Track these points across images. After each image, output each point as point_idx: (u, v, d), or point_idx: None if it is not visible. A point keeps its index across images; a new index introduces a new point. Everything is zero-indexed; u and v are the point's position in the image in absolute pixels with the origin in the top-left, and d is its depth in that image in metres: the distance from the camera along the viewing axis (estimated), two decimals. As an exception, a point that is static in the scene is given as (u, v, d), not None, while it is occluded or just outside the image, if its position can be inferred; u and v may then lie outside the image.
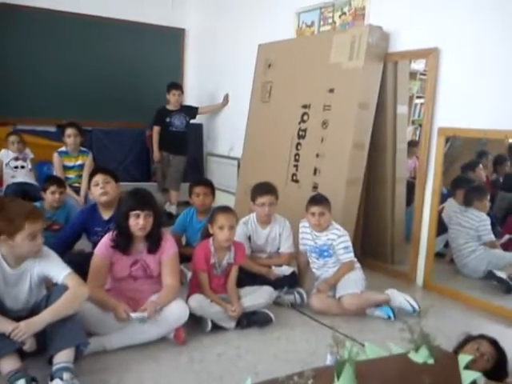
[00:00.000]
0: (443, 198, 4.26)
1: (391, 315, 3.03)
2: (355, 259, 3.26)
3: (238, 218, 2.95)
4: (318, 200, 3.22)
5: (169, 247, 2.70)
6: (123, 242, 2.61)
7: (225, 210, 2.89)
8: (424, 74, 6.26)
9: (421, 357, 2.03)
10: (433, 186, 3.64)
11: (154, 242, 2.66)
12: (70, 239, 3.31)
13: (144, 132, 6.04)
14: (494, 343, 2.24)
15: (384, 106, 4.05)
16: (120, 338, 2.51)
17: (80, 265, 2.60)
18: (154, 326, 2.55)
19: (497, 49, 3.24)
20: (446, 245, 4.34)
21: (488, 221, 4.05)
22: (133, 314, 2.49)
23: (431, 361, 2.00)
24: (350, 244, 3.22)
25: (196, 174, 6.25)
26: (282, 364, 2.45)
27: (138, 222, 2.56)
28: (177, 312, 2.59)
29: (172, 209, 5.54)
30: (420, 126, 6.14)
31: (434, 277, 3.72)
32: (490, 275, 3.81)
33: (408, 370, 2.01)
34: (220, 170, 6.10)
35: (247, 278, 3.21)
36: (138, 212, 2.56)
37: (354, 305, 3.00)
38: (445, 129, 3.57)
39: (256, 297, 2.90)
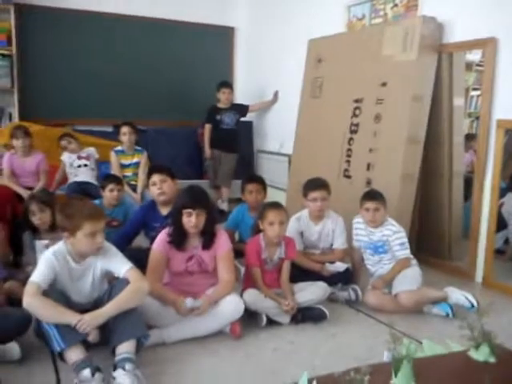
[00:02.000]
0: (502, 193, 4.12)
1: (450, 312, 2.96)
2: (411, 256, 3.20)
3: (288, 213, 2.96)
4: (373, 195, 3.18)
5: (223, 243, 2.74)
6: (178, 239, 2.68)
7: (274, 205, 2.91)
8: (480, 65, 6.04)
9: (482, 355, 1.97)
10: (491, 181, 3.51)
11: (208, 238, 2.71)
12: (130, 235, 3.43)
13: (195, 130, 6.13)
14: None
15: (439, 99, 3.94)
16: (178, 331, 2.58)
17: (138, 260, 2.68)
18: (210, 320, 2.60)
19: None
20: (507, 241, 4.18)
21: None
22: (187, 300, 2.55)
23: (492, 359, 1.94)
24: (405, 240, 3.16)
25: (247, 172, 6.26)
26: (338, 360, 2.44)
27: (191, 220, 2.62)
28: (232, 306, 2.64)
29: (223, 206, 5.61)
30: (477, 118, 5.95)
31: (493, 274, 3.59)
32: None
33: (468, 368, 1.96)
34: (270, 167, 6.12)
35: (300, 274, 3.22)
36: (189, 210, 2.62)
37: (410, 301, 2.95)
38: (504, 121, 3.43)
39: (310, 292, 2.90)
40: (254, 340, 2.65)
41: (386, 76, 4.02)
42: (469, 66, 4.76)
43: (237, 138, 5.76)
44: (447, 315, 2.96)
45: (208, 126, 5.68)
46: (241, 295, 2.80)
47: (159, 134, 6.08)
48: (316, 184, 3.32)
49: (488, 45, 3.51)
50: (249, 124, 6.41)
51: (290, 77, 5.45)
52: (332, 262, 3.35)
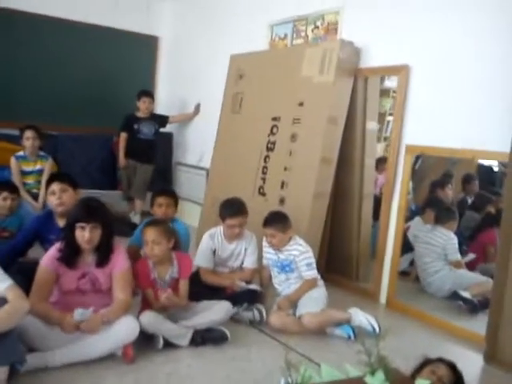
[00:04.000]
0: (412, 215, 4.25)
1: (351, 335, 2.95)
2: (318, 276, 3.18)
3: (170, 233, 2.80)
4: (269, 221, 3.16)
5: (120, 261, 2.57)
6: (69, 255, 2.48)
7: (153, 223, 2.81)
8: (394, 91, 6.35)
9: (377, 381, 1.96)
10: (399, 203, 3.60)
11: (103, 255, 2.53)
12: (20, 246, 3.14)
13: (111, 138, 5.89)
14: (451, 367, 2.16)
15: (353, 122, 4.01)
16: (63, 355, 2.36)
17: (31, 274, 2.48)
18: (100, 341, 2.41)
19: (467, 68, 3.24)
20: (412, 263, 4.31)
21: (455, 240, 4.04)
22: (76, 311, 2.36)
23: (387, 385, 1.91)
24: (313, 260, 3.15)
25: (163, 184, 6.11)
26: (235, 385, 2.34)
27: (84, 235, 2.43)
28: (126, 327, 2.46)
29: (136, 218, 5.39)
30: (390, 142, 6.20)
31: (397, 295, 3.66)
32: (454, 295, 3.77)
33: (363, 395, 1.92)
34: (188, 180, 5.98)
35: (205, 292, 3.10)
36: (83, 224, 2.43)
37: (313, 323, 2.91)
38: (413, 146, 3.54)
39: (212, 313, 2.78)
40: (148, 364, 2.48)
41: (304, 96, 4.04)
42: (386, 92, 4.92)
43: (154, 149, 5.59)
44: (349, 337, 2.96)
45: (124, 135, 5.47)
46: (138, 317, 2.63)
47: (71, 140, 5.78)
48: (234, 210, 3.23)
49: (401, 71, 3.62)
50: (169, 135, 6.25)
51: (212, 91, 5.37)
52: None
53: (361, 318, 3.03)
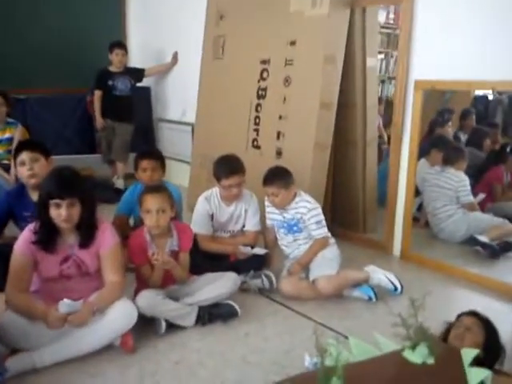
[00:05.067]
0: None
1: (372, 296, 2.68)
2: (329, 234, 2.88)
3: (171, 199, 2.46)
4: (269, 179, 2.82)
5: (107, 238, 2.22)
6: (45, 238, 2.11)
7: (153, 190, 2.44)
8: (386, 27, 5.89)
9: (419, 356, 1.67)
10: (409, 148, 3.27)
11: (86, 234, 2.17)
12: (-7, 227, 2.79)
13: (84, 98, 5.39)
14: (474, 314, 1.95)
15: (352, 59, 3.60)
16: (53, 352, 2.05)
17: (8, 256, 2.15)
18: (94, 333, 2.09)
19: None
20: (419, 208, 4.05)
21: (467, 181, 3.79)
22: (62, 303, 2.02)
23: (431, 360, 1.63)
24: (322, 218, 2.83)
25: (145, 143, 5.68)
26: (253, 369, 2.08)
27: (60, 213, 2.06)
28: (122, 314, 2.14)
29: (119, 183, 5.01)
30: (382, 81, 5.81)
31: (412, 245, 3.39)
32: (471, 240, 3.53)
33: (405, 372, 1.65)
34: (172, 138, 5.56)
35: (207, 263, 2.80)
36: (57, 201, 2.05)
37: (330, 287, 2.63)
38: (422, 81, 3.16)
39: (218, 286, 2.46)
40: (152, 353, 2.19)
41: (295, 34, 3.61)
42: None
43: (132, 106, 5.12)
44: (369, 299, 2.69)
45: (98, 93, 5.00)
46: (134, 297, 2.32)
47: (41, 103, 5.26)
48: (229, 169, 2.86)
49: (403, -1, 3.20)
50: (146, 90, 5.76)
51: (190, 36, 4.87)
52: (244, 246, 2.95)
53: (380, 275, 2.76)
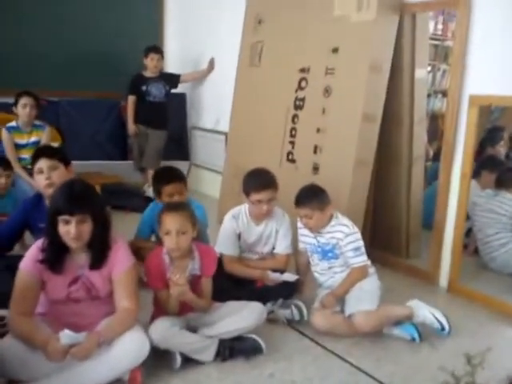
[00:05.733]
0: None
1: (416, 336, 2.37)
2: (369, 262, 2.58)
3: (193, 218, 2.20)
4: (302, 199, 2.54)
5: (121, 259, 2.00)
6: (53, 257, 1.91)
7: (174, 208, 2.19)
8: (433, 38, 5.54)
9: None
10: (461, 168, 2.94)
11: (97, 254, 1.96)
12: (6, 238, 2.62)
13: (119, 103, 5.28)
14: None
15: (400, 70, 3.31)
16: (54, 385, 1.84)
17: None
18: (100, 367, 1.87)
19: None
20: (467, 234, 3.69)
21: (524, 206, 3.40)
22: (63, 334, 1.80)
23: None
24: (361, 244, 2.54)
25: (178, 151, 5.54)
26: (276, 420, 1.80)
27: (69, 230, 1.86)
28: (132, 347, 1.91)
29: (150, 191, 4.81)
30: (428, 95, 5.45)
31: (461, 277, 3.05)
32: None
33: None
34: (206, 146, 5.37)
35: (230, 287, 2.55)
36: (66, 217, 1.85)
37: (368, 325, 2.33)
38: (478, 97, 2.84)
39: (242, 318, 2.21)
40: (163, 392, 1.96)
41: (338, 40, 3.34)
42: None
43: (166, 113, 4.97)
44: (413, 339, 2.38)
45: (132, 98, 4.88)
46: (150, 323, 2.10)
47: (74, 106, 5.18)
48: (260, 183, 2.61)
49: (460, 4, 2.89)
50: (182, 96, 5.60)
51: (228, 42, 4.69)
52: (274, 271, 2.68)
53: (425, 312, 2.44)
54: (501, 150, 4.07)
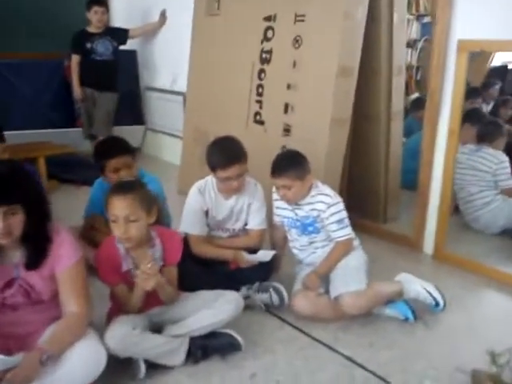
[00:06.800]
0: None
1: (410, 316, 2.13)
2: (353, 235, 2.30)
3: (148, 200, 1.83)
4: (280, 169, 2.19)
5: (65, 254, 1.63)
6: None
7: (121, 190, 1.79)
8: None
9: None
10: (449, 123, 2.66)
11: (34, 250, 1.59)
12: None
13: (62, 63, 4.74)
14: None
15: (377, 15, 2.95)
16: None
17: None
18: (47, 388, 1.54)
19: None
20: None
21: (507, 162, 3.20)
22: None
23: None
24: (345, 215, 2.24)
25: (132, 114, 5.08)
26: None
27: None
28: (85, 360, 1.57)
29: (103, 161, 4.39)
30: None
31: (447, 242, 2.83)
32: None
33: None
34: (162, 108, 4.92)
35: (199, 272, 2.24)
36: None
37: (357, 308, 2.07)
38: (468, 41, 2.53)
39: (215, 310, 1.89)
40: (126, 409, 1.65)
41: (307, -18, 2.95)
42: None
43: (115, 73, 4.50)
44: (406, 319, 2.14)
45: (75, 58, 4.38)
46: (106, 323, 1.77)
47: (11, 68, 4.61)
48: (227, 157, 2.22)
49: None
50: (132, 54, 5.10)
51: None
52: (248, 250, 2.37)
53: (417, 287, 2.19)
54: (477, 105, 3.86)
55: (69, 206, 3.19)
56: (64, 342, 1.59)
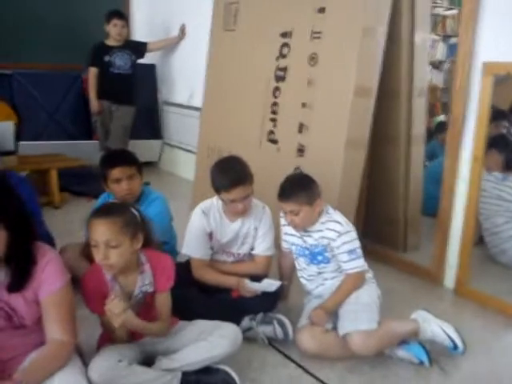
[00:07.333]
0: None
1: (425, 360, 1.95)
2: (366, 266, 2.13)
3: (133, 224, 1.69)
4: (287, 193, 2.06)
5: (50, 278, 1.53)
6: None
7: (103, 213, 1.67)
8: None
9: None
10: (473, 150, 2.49)
11: (16, 272, 1.49)
12: None
13: (80, 75, 4.74)
14: None
15: (397, 34, 2.82)
16: None
17: None
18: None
19: None
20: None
21: (537, 192, 2.99)
22: None
23: None
24: (357, 245, 2.09)
25: (149, 128, 5.03)
26: None
27: None
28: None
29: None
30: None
31: (470, 277, 2.63)
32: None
33: None
34: (179, 123, 4.87)
35: (199, 298, 2.12)
36: None
37: (368, 349, 1.89)
38: (494, 64, 2.38)
39: (211, 344, 1.75)
40: None
41: (325, -1, 2.84)
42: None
43: (133, 86, 4.46)
44: (421, 363, 1.96)
45: (93, 70, 4.36)
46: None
47: (30, 79, 4.64)
48: (231, 179, 2.09)
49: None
50: (151, 68, 5.09)
51: (200, 6, 4.14)
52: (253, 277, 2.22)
53: (434, 328, 2.01)
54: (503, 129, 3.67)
55: (79, 219, 3.10)
56: (44, 371, 1.48)
